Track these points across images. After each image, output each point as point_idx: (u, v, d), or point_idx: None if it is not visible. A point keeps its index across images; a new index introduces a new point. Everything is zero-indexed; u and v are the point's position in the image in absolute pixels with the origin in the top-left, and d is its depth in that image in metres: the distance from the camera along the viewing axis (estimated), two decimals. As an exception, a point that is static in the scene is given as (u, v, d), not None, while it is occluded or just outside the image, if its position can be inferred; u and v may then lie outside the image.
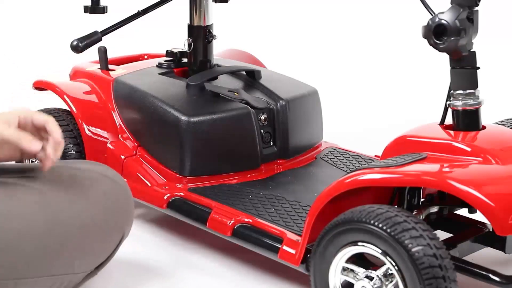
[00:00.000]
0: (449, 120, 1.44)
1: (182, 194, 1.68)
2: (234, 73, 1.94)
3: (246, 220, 1.56)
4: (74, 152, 1.83)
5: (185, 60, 1.96)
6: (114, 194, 1.44)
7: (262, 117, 1.78)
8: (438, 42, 1.35)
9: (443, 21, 1.34)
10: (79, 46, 1.78)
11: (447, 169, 1.31)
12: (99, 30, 1.81)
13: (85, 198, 1.39)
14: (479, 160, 1.33)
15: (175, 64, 1.96)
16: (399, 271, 1.24)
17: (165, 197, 1.69)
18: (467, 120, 1.40)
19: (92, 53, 1.90)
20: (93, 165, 1.47)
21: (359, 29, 3.50)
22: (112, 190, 1.44)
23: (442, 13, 1.35)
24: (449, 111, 1.43)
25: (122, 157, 1.79)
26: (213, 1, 1.91)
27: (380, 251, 1.26)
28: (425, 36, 1.37)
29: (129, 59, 2.10)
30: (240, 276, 1.62)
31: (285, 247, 1.46)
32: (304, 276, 1.45)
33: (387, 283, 1.28)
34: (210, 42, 1.91)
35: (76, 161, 1.46)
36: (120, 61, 2.05)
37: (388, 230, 1.24)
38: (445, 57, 1.40)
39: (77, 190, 1.39)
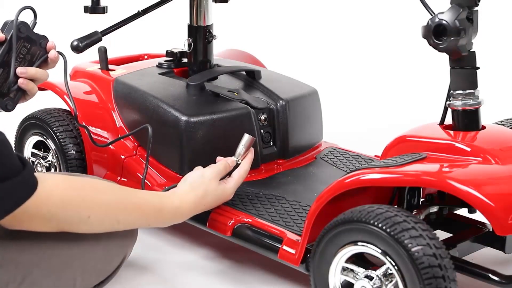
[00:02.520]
0: (449, 120, 1.44)
1: (182, 194, 1.68)
2: (234, 73, 1.94)
3: (246, 220, 1.56)
4: (74, 152, 1.83)
5: (185, 60, 1.96)
6: None
7: (262, 117, 1.78)
8: (437, 42, 1.35)
9: (443, 21, 1.34)
10: (79, 46, 1.78)
11: (446, 169, 1.31)
12: (99, 30, 1.81)
13: None
14: (478, 160, 1.33)
15: (175, 64, 1.96)
16: (399, 271, 1.25)
17: (165, 197, 1.69)
18: (466, 120, 1.40)
19: (92, 53, 1.90)
20: None
21: (359, 29, 3.50)
22: None
23: (442, 13, 1.35)
24: (449, 111, 1.43)
25: (122, 157, 1.79)
26: (213, 1, 1.91)
27: (379, 251, 1.26)
28: (425, 36, 1.37)
29: (129, 59, 2.10)
30: (240, 276, 1.62)
31: (285, 247, 1.46)
32: (304, 276, 1.45)
33: (387, 283, 1.28)
34: (210, 42, 1.91)
35: None
36: (120, 61, 2.06)
37: (388, 230, 1.24)
38: (445, 57, 1.40)
39: None
